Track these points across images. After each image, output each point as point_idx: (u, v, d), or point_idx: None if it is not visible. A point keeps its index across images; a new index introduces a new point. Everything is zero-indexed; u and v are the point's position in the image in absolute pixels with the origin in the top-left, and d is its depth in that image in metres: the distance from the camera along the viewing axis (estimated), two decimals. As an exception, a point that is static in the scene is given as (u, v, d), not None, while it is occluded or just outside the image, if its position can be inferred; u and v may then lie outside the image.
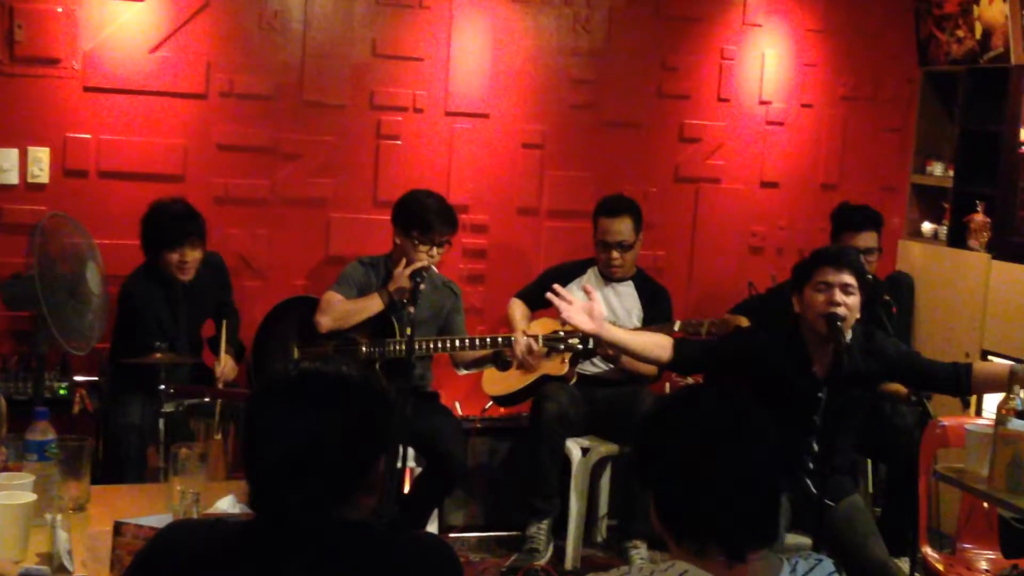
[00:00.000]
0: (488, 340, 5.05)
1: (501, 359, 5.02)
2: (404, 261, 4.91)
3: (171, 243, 4.76)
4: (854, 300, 3.95)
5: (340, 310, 4.92)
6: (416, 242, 4.92)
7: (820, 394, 3.98)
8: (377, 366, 4.84)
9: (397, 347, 4.85)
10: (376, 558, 1.97)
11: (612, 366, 5.23)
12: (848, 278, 3.94)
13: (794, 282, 4.08)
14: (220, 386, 4.74)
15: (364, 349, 4.89)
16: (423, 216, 4.94)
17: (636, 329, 5.12)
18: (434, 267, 5.01)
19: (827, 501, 3.83)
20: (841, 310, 3.90)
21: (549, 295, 4.16)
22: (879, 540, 4.04)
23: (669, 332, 5.03)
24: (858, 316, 4.01)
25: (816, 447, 3.98)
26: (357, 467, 1.96)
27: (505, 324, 5.53)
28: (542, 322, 5.37)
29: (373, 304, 4.93)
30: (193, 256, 4.80)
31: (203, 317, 5.03)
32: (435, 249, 4.95)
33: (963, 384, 4.09)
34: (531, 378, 5.23)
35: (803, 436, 3.97)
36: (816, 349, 4.04)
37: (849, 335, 4.00)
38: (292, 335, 5.03)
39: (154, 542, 2.04)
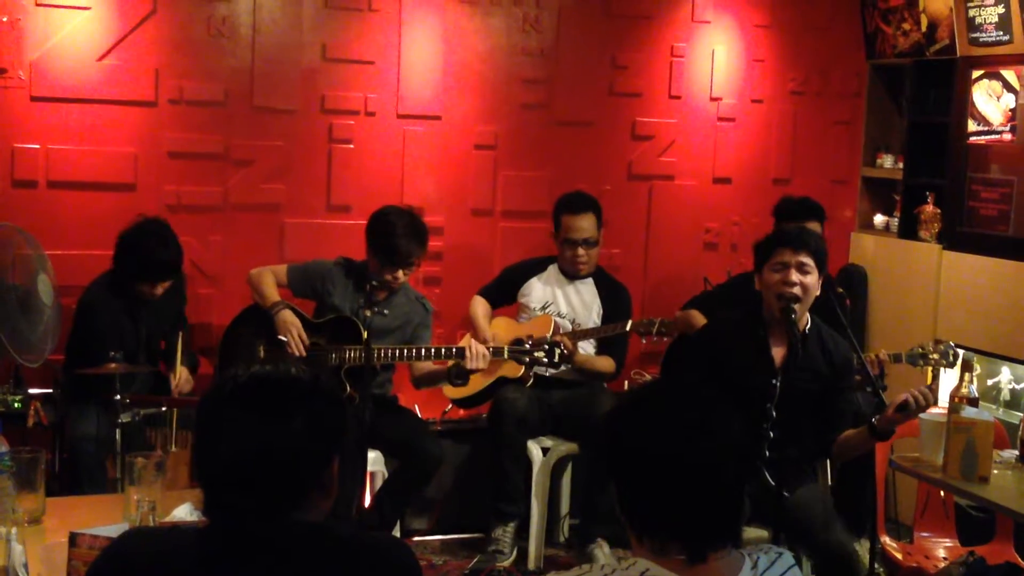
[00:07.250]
0: (443, 350, 4.98)
1: (455, 373, 4.91)
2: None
3: (148, 279, 4.75)
4: (811, 279, 3.94)
5: (256, 280, 4.97)
6: (382, 265, 4.89)
7: (775, 380, 3.98)
8: (342, 373, 4.83)
9: (355, 355, 4.82)
10: (333, 561, 1.96)
11: (568, 366, 5.20)
12: (805, 258, 3.93)
13: (755, 261, 4.09)
14: (176, 397, 4.70)
15: (333, 357, 4.87)
16: (389, 242, 4.84)
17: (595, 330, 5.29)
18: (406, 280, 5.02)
19: (785, 492, 3.84)
20: (796, 290, 3.90)
21: None
22: (840, 525, 4.06)
23: (622, 330, 5.16)
24: (817, 293, 4.00)
25: (772, 435, 3.98)
26: (309, 471, 1.95)
27: (465, 325, 5.54)
28: (503, 323, 5.37)
29: (269, 298, 4.92)
30: (164, 287, 4.80)
31: (163, 329, 4.99)
32: (401, 271, 4.91)
33: (829, 450, 4.15)
34: (489, 380, 5.23)
35: (759, 424, 3.96)
36: (774, 333, 4.05)
37: (808, 321, 4.03)
38: (259, 337, 4.99)
39: (109, 551, 2.02)
